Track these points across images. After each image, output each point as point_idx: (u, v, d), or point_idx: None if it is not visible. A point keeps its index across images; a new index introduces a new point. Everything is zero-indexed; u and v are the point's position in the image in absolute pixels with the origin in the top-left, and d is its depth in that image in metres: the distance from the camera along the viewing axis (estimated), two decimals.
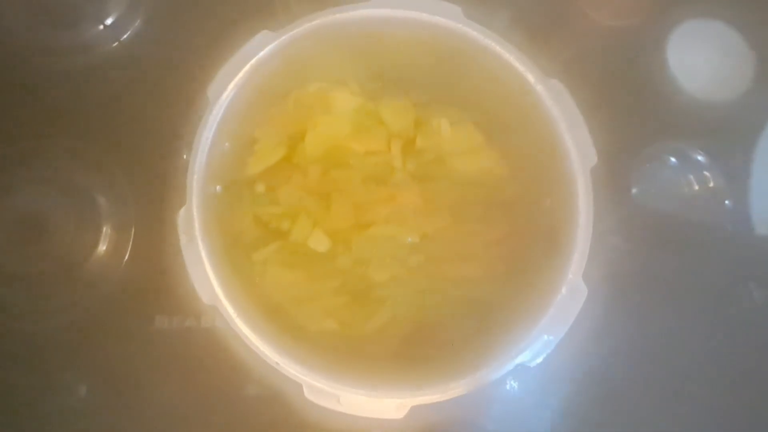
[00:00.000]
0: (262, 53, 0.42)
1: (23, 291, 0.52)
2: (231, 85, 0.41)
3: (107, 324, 0.52)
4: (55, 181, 0.54)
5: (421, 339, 0.44)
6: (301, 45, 0.43)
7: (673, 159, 0.58)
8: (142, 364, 0.51)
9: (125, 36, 0.57)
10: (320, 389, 0.37)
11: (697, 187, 0.58)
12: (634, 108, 0.57)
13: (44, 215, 0.52)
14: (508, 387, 0.38)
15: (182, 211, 0.40)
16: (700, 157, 0.58)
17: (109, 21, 0.57)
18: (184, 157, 0.42)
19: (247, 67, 0.42)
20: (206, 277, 0.38)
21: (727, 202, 0.57)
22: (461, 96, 0.48)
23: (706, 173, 0.58)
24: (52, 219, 0.52)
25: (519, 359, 0.38)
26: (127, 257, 0.53)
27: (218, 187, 0.44)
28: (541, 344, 0.38)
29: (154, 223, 0.53)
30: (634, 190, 0.56)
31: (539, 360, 0.38)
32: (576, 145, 0.41)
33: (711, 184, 0.58)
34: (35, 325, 0.51)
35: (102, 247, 0.54)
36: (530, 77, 0.41)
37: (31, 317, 0.52)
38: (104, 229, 0.54)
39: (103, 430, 0.50)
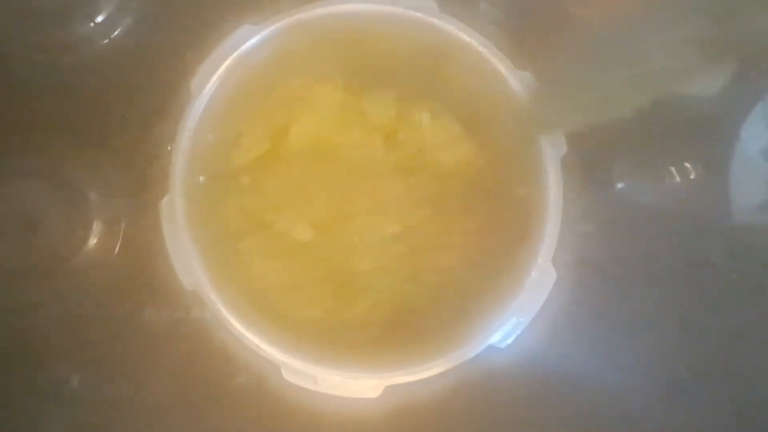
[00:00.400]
0: (243, 47, 0.43)
1: (13, 284, 0.53)
2: (213, 78, 0.42)
3: (97, 316, 0.53)
4: (45, 175, 0.55)
5: (400, 324, 0.45)
6: (282, 39, 0.45)
7: (653, 151, 0.59)
8: (132, 356, 0.52)
9: (115, 33, 0.58)
10: (297, 370, 0.38)
11: (678, 179, 0.59)
12: None
13: (35, 209, 0.53)
14: (479, 367, 0.39)
15: (165, 200, 0.41)
16: (680, 149, 0.59)
17: (99, 18, 0.58)
18: (169, 148, 0.43)
19: (228, 61, 0.43)
20: (188, 262, 0.39)
21: (707, 193, 0.57)
22: (440, 89, 0.49)
23: (687, 164, 0.59)
24: (43, 213, 0.53)
25: (490, 340, 0.39)
26: (116, 251, 0.54)
27: (202, 178, 0.45)
28: (511, 326, 0.39)
29: (143, 217, 0.53)
30: (614, 181, 0.57)
31: (510, 341, 0.39)
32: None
33: (692, 176, 0.58)
34: (26, 318, 0.52)
35: (92, 241, 0.55)
36: (501, 69, 0.42)
37: (21, 310, 0.53)
38: (94, 222, 0.55)
39: (94, 421, 0.51)
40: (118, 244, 0.55)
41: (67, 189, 0.55)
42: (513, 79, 0.42)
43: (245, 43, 0.43)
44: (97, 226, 0.55)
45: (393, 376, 0.39)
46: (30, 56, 0.57)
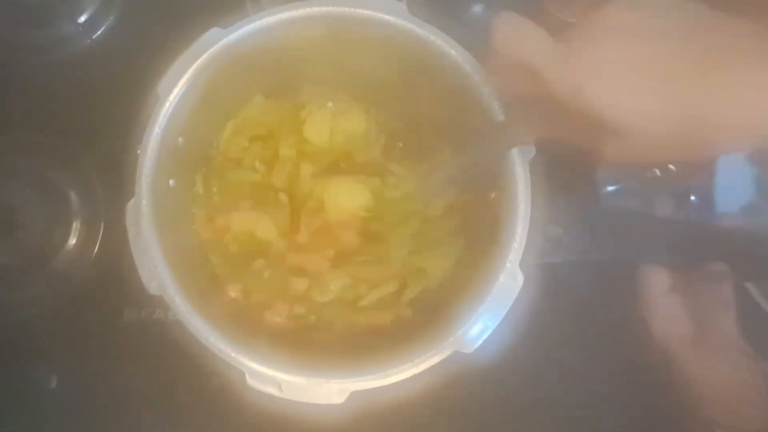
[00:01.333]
0: (212, 49, 0.43)
1: None
2: (181, 81, 0.42)
3: (77, 316, 0.53)
4: (27, 175, 0.55)
5: (366, 330, 0.45)
6: (252, 42, 0.44)
7: None
8: (111, 356, 0.52)
9: (98, 33, 0.59)
10: (262, 375, 0.38)
11: (662, 181, 0.59)
12: None
13: (16, 209, 0.54)
14: (445, 372, 0.39)
15: (131, 204, 0.40)
16: None
17: (82, 19, 0.59)
18: (138, 152, 0.43)
19: (196, 64, 0.42)
20: (152, 266, 0.39)
21: (692, 197, 0.57)
22: (412, 93, 0.49)
23: (671, 167, 0.59)
24: (24, 213, 0.54)
25: (456, 346, 0.39)
26: (96, 251, 0.55)
27: (172, 182, 0.45)
28: (478, 330, 0.39)
29: (123, 219, 0.53)
30: (596, 183, 0.57)
31: (476, 346, 0.39)
32: None
33: (676, 178, 0.58)
34: (5, 317, 0.53)
35: (72, 241, 0.55)
36: (470, 71, 0.42)
37: (1, 309, 0.53)
38: (74, 223, 0.55)
39: (72, 420, 0.51)
40: (98, 244, 0.55)
41: (48, 189, 0.55)
42: (480, 80, 0.42)
43: (214, 46, 0.43)
44: (76, 227, 0.55)
45: (358, 382, 0.38)
46: (13, 57, 0.58)
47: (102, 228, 0.55)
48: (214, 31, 0.43)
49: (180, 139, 0.44)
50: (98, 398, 0.52)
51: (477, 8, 0.59)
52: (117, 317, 0.52)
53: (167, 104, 0.42)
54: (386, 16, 0.43)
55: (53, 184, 0.55)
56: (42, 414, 0.51)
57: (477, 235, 0.45)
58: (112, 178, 0.54)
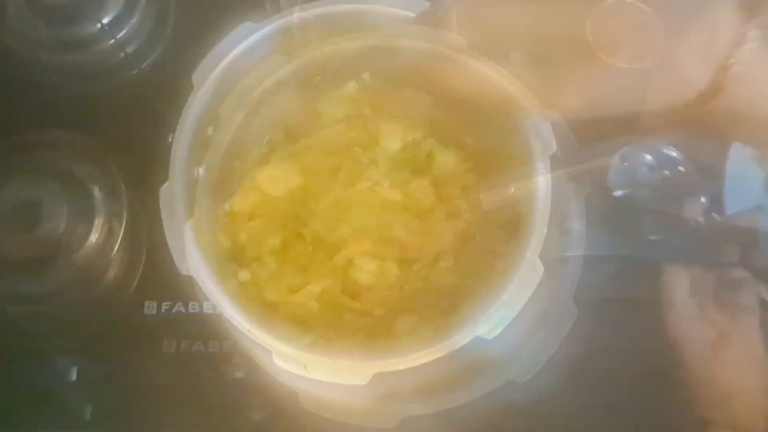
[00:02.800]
0: (244, 43, 0.44)
1: (15, 277, 0.54)
2: (215, 72, 0.44)
3: (97, 309, 0.54)
4: (50, 170, 0.56)
5: (389, 314, 0.46)
6: (283, 37, 0.46)
7: (648, 156, 0.60)
8: (131, 350, 0.53)
9: (121, 34, 0.60)
10: (288, 355, 0.39)
11: (672, 184, 0.60)
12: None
13: (38, 204, 0.54)
14: (465, 357, 0.40)
15: (164, 187, 0.42)
16: (674, 154, 0.60)
17: (106, 20, 0.60)
18: (170, 139, 0.44)
19: (230, 56, 0.44)
20: (184, 247, 0.40)
21: (702, 199, 0.58)
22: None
23: (681, 168, 0.60)
24: (46, 208, 0.54)
25: (477, 332, 0.40)
26: (117, 246, 0.55)
27: (201, 170, 0.46)
28: (499, 318, 0.40)
29: (145, 215, 0.54)
30: (609, 185, 0.58)
31: (496, 333, 0.40)
32: (536, 131, 0.42)
33: (686, 181, 0.59)
34: (26, 310, 0.53)
35: (94, 236, 0.55)
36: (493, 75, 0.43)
37: (22, 303, 0.54)
38: (97, 218, 0.56)
39: (92, 413, 0.52)
40: (119, 239, 0.55)
41: (72, 184, 0.56)
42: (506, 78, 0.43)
43: (246, 39, 0.44)
44: (99, 222, 0.56)
45: (380, 363, 0.39)
46: (37, 55, 0.59)
47: (124, 224, 0.55)
48: (247, 25, 0.44)
49: (210, 129, 0.46)
50: (118, 391, 0.52)
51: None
52: (137, 311, 0.53)
53: (201, 93, 0.43)
54: (411, 14, 0.44)
55: (77, 180, 0.56)
56: (61, 406, 0.52)
57: (497, 228, 0.46)
58: (136, 176, 0.55)
